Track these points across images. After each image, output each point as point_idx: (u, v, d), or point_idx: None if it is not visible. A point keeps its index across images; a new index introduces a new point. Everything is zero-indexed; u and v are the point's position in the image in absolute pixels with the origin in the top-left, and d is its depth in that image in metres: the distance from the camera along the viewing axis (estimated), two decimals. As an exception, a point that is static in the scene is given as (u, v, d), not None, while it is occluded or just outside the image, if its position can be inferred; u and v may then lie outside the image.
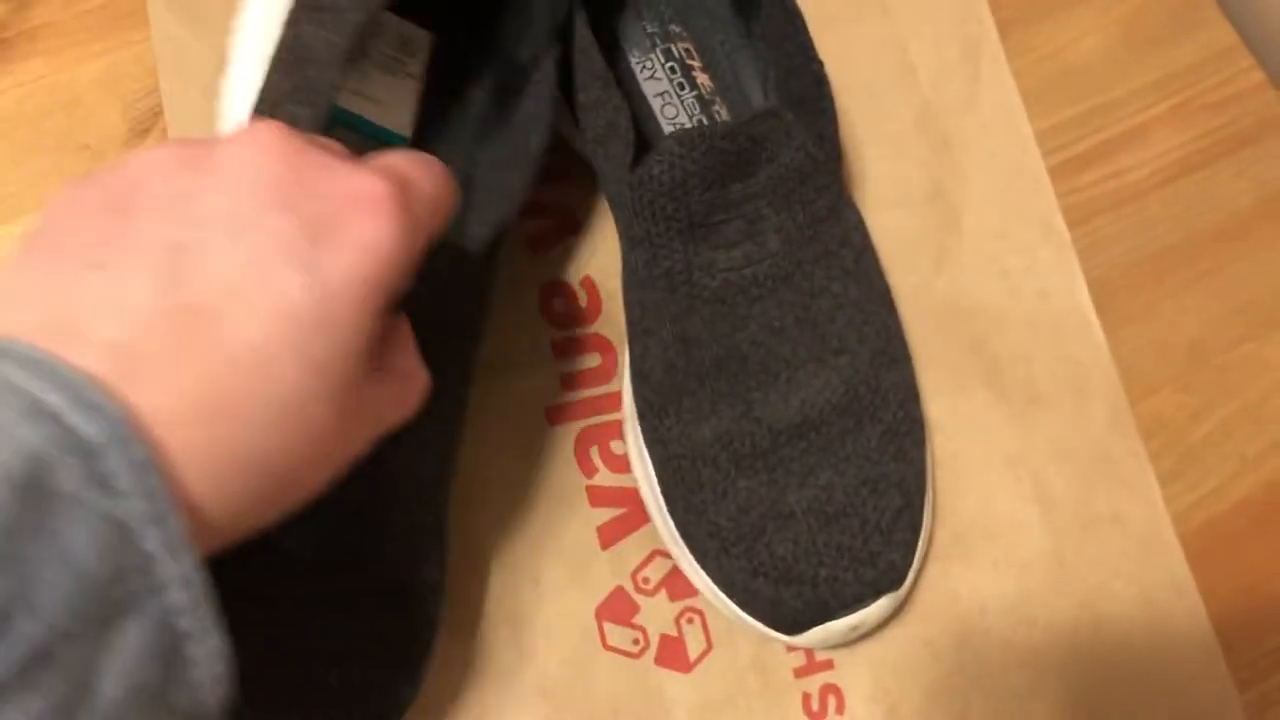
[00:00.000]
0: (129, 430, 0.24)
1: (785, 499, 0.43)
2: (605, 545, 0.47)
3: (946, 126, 0.53)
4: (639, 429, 0.45)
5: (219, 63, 0.47)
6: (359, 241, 0.29)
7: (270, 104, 0.39)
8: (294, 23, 0.40)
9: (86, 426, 0.24)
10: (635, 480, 0.46)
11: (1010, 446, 0.49)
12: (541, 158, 0.44)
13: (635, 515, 0.47)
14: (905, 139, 0.53)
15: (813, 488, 0.43)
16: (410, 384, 0.33)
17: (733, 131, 0.40)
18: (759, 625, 0.43)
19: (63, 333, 0.26)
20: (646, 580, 0.46)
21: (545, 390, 0.48)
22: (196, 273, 0.27)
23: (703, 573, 0.44)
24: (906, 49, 0.55)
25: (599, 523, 0.47)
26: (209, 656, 0.26)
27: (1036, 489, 0.48)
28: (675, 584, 0.46)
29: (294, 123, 0.34)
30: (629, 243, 0.44)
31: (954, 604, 0.47)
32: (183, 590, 0.25)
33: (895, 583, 0.43)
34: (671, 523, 0.44)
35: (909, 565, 0.44)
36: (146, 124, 0.51)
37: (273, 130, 0.30)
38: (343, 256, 0.29)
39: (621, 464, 0.47)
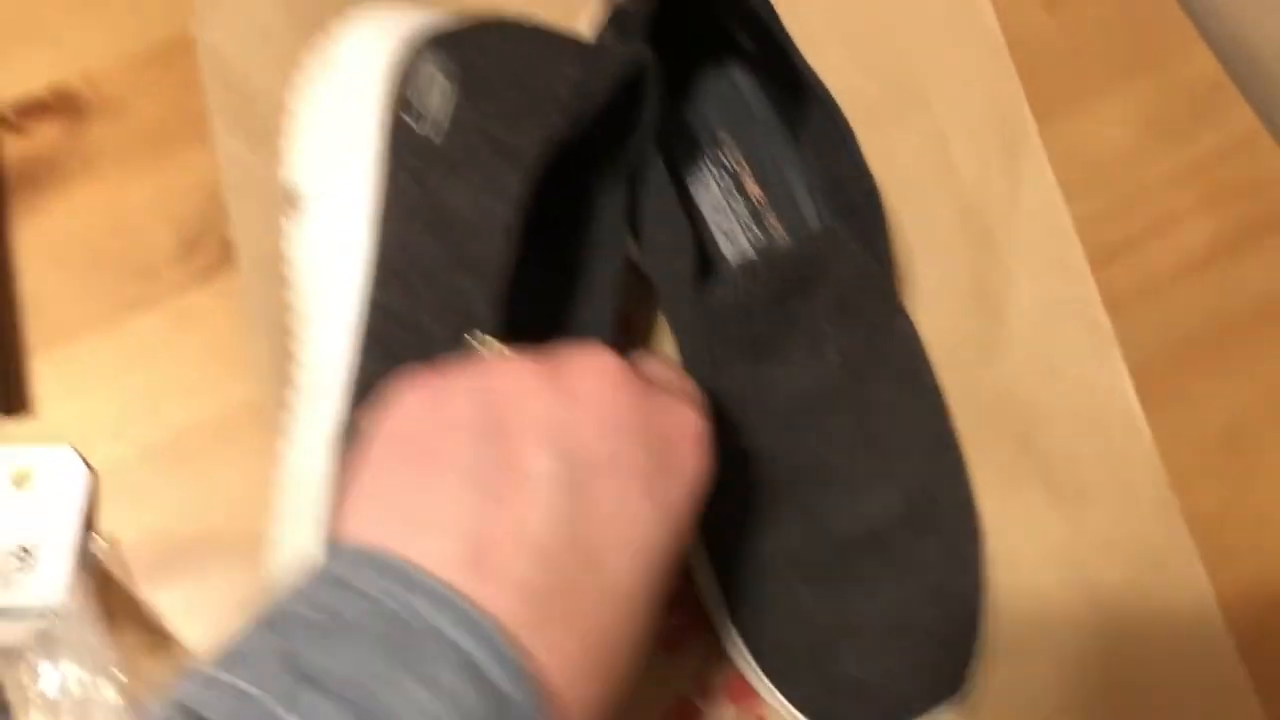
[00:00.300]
0: (546, 700, 0.25)
1: (851, 613, 0.43)
2: (668, 650, 0.47)
3: (989, 223, 0.54)
4: (703, 543, 0.46)
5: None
6: (689, 472, 0.31)
7: (422, 273, 0.39)
8: (417, 177, 0.40)
9: (514, 692, 0.25)
10: (699, 589, 0.47)
11: (1061, 543, 0.50)
12: (617, 285, 0.44)
13: (698, 624, 0.47)
14: (949, 237, 0.54)
15: (878, 601, 0.43)
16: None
17: (795, 255, 0.41)
18: None
19: (472, 565, 0.27)
20: (710, 686, 0.47)
21: None
22: (582, 511, 0.28)
23: (773, 689, 0.44)
24: (948, 147, 0.55)
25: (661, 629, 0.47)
26: None
27: (1085, 584, 0.49)
28: (739, 689, 0.46)
29: (459, 294, 0.37)
30: (692, 361, 0.45)
31: (1011, 701, 0.47)
32: None
33: (958, 690, 0.44)
34: (738, 638, 0.45)
35: (971, 672, 0.44)
36: (196, 244, 0.52)
37: (613, 361, 0.32)
38: (679, 487, 0.31)
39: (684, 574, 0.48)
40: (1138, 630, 0.49)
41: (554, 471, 0.29)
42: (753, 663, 0.45)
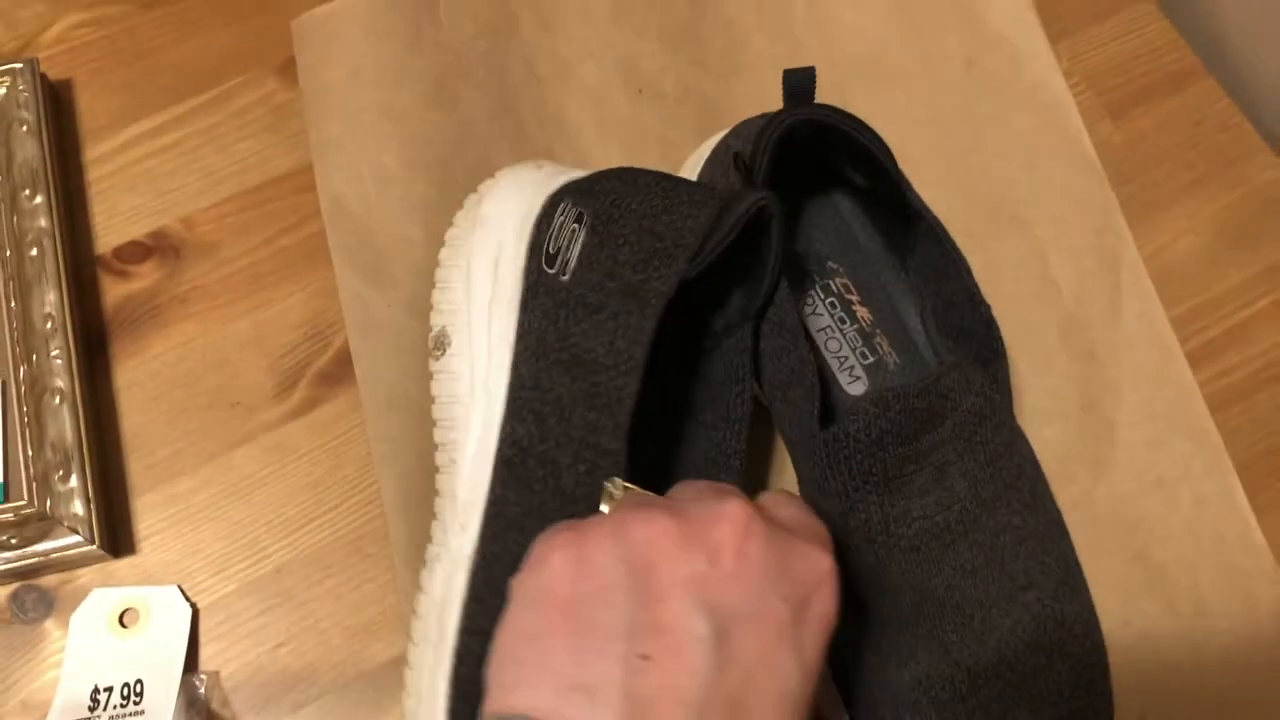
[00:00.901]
0: None
1: None
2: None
3: (1092, 338, 0.55)
4: (832, 678, 0.46)
5: (403, 319, 0.51)
6: (823, 617, 0.32)
7: (555, 407, 0.41)
8: (551, 317, 0.42)
9: None
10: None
11: (1183, 659, 0.50)
12: (745, 420, 0.45)
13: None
14: (1054, 352, 0.54)
15: None
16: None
17: (923, 389, 0.42)
18: None
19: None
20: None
21: None
22: (730, 667, 0.29)
23: None
24: (1047, 263, 0.56)
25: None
26: None
27: (1214, 702, 0.49)
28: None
29: (590, 429, 0.39)
30: (819, 493, 0.45)
31: None
32: None
33: None
34: None
35: None
36: (292, 380, 0.52)
37: (744, 511, 0.32)
38: (814, 634, 0.31)
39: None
40: None
41: (703, 631, 0.29)
42: None
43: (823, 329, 0.51)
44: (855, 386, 0.50)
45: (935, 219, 0.47)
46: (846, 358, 0.50)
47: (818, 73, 0.46)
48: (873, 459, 0.42)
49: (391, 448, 0.50)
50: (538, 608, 0.31)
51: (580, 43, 0.59)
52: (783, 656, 0.30)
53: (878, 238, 0.51)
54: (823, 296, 0.51)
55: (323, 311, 0.54)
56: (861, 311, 0.51)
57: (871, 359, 0.50)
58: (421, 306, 0.50)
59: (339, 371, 0.53)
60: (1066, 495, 0.51)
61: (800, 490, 0.47)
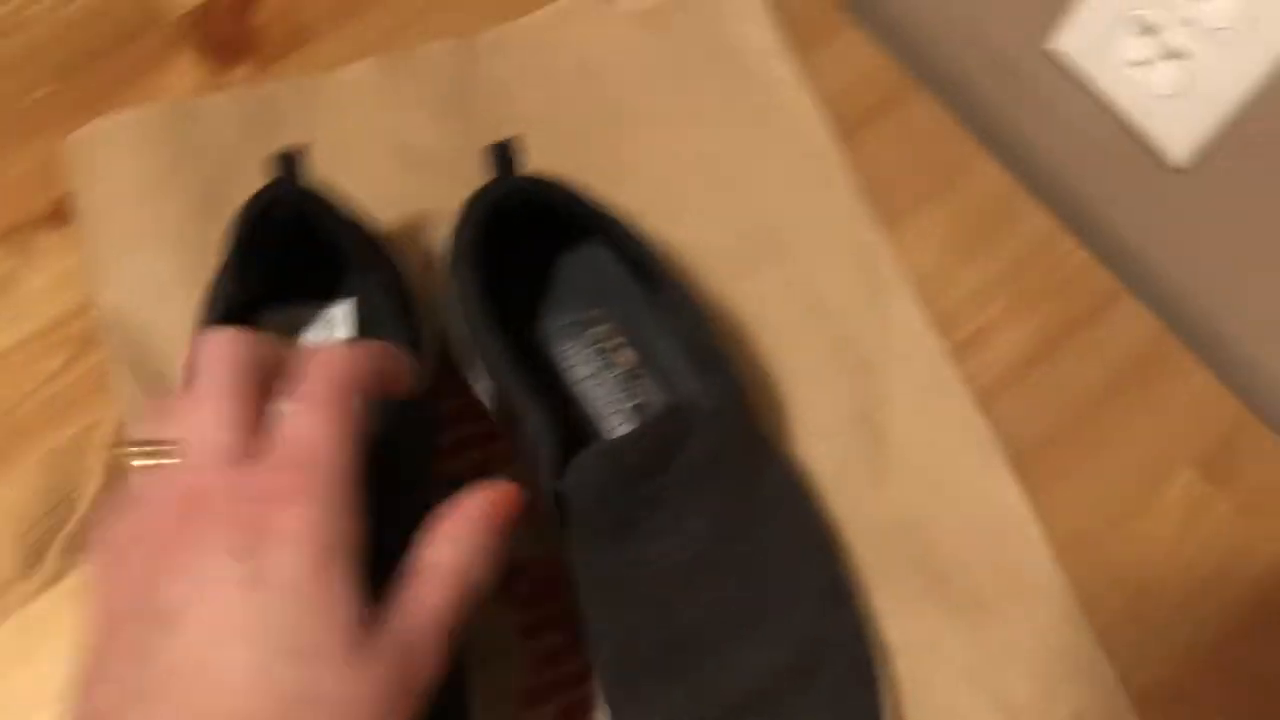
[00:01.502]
0: None
1: None
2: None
3: (863, 351, 0.56)
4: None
5: None
6: (283, 536, 0.31)
7: None
8: None
9: None
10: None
11: (967, 659, 0.50)
12: None
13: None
14: (826, 369, 0.56)
15: None
16: (480, 552, 0.37)
17: (638, 438, 0.43)
18: None
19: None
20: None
21: (519, 675, 0.49)
22: (171, 642, 0.30)
23: None
24: (815, 284, 0.57)
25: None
26: None
27: (997, 699, 0.49)
28: None
29: None
30: (565, 544, 0.46)
31: None
32: None
33: None
34: None
35: None
36: (40, 551, 0.51)
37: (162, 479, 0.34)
38: (278, 555, 0.31)
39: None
40: None
41: (141, 634, 0.31)
42: None
43: (585, 379, 0.52)
44: (622, 431, 0.51)
45: (654, 260, 0.48)
46: (611, 404, 0.51)
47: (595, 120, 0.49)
48: (599, 509, 0.43)
49: None
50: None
51: (348, 132, 0.61)
52: (228, 599, 0.30)
53: (634, 283, 0.52)
54: (585, 346, 0.52)
55: (64, 478, 0.53)
56: (624, 356, 0.52)
57: (636, 401, 0.51)
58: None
59: (86, 538, 0.52)
60: (845, 508, 0.52)
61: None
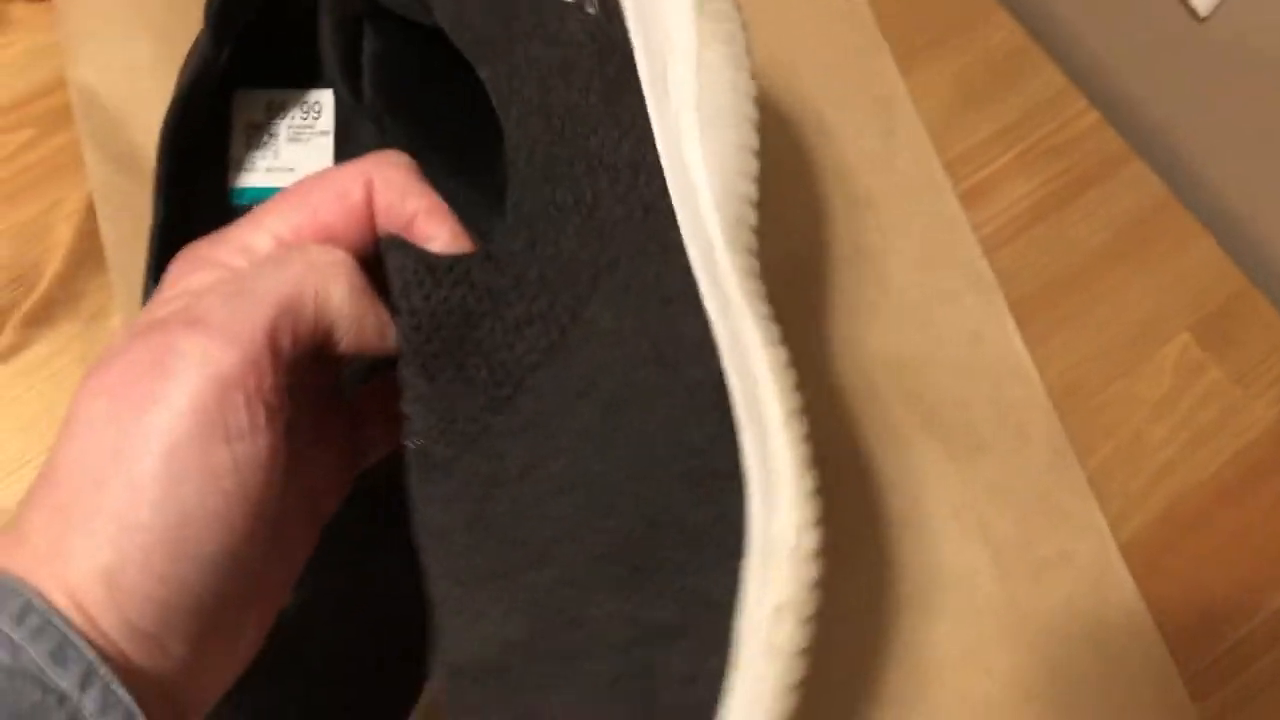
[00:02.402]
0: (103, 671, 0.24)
1: None
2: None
3: (866, 184, 0.54)
4: None
5: None
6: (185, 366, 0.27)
7: None
8: None
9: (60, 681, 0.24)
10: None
11: (955, 495, 0.49)
12: None
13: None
14: (827, 201, 0.54)
15: None
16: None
17: None
18: None
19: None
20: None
21: None
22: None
23: None
24: (820, 113, 0.55)
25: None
26: None
27: (984, 535, 0.49)
28: None
29: None
30: None
31: (913, 658, 0.46)
32: None
33: None
34: None
35: None
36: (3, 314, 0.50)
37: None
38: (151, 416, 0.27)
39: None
40: (1034, 577, 0.48)
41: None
42: None
43: None
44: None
45: None
46: None
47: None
48: None
49: None
50: None
51: None
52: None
53: None
54: None
55: (25, 254, 0.51)
56: None
57: None
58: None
59: (46, 314, 0.50)
60: (836, 341, 0.51)
61: None
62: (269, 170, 0.48)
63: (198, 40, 0.46)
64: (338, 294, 0.29)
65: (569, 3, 0.35)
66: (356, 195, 0.31)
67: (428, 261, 0.30)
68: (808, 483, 0.28)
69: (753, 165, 0.34)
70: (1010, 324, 0.52)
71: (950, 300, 0.52)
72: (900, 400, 0.50)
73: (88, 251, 0.51)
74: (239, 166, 0.48)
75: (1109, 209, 0.56)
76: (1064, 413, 0.51)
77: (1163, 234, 0.55)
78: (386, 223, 0.31)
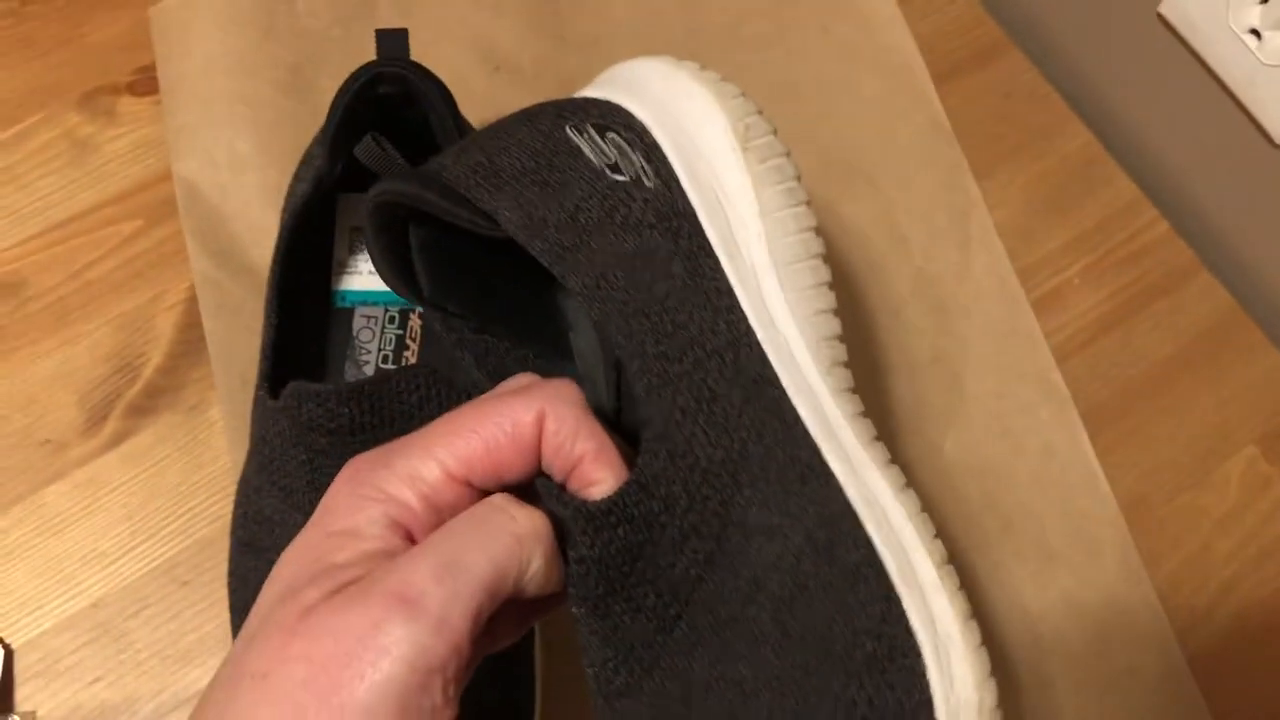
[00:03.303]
0: None
1: None
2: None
3: (942, 292, 0.56)
4: None
5: (255, 301, 0.51)
6: (368, 678, 0.27)
7: None
8: None
9: None
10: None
11: (1028, 604, 0.50)
12: None
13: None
14: (903, 307, 0.55)
15: None
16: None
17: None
18: None
19: None
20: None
21: None
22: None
23: None
24: (897, 222, 0.57)
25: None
26: None
27: (1056, 645, 0.49)
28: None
29: None
30: None
31: None
32: None
33: None
34: None
35: None
36: (102, 413, 0.51)
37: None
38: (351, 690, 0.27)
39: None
40: (1103, 688, 0.49)
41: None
42: None
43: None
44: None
45: None
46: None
47: (679, 38, 0.46)
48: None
49: (244, 424, 0.49)
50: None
51: (437, 24, 0.60)
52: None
53: None
54: None
55: (130, 343, 0.53)
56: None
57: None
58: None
59: (149, 403, 0.52)
60: (915, 446, 0.52)
61: None
62: (371, 273, 0.50)
63: (310, 153, 0.47)
64: (536, 564, 0.30)
65: (625, 180, 0.36)
66: (528, 431, 0.31)
67: (588, 511, 0.30)
68: (975, 635, 0.29)
69: (830, 300, 0.36)
70: (1082, 435, 0.53)
71: (1023, 412, 0.53)
72: (975, 507, 0.51)
73: (189, 343, 0.52)
74: (342, 269, 0.50)
75: (1176, 320, 0.57)
76: (1130, 525, 0.52)
77: (1230, 346, 0.56)
78: (553, 461, 0.31)
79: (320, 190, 0.46)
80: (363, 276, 0.50)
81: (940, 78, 0.61)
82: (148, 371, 0.52)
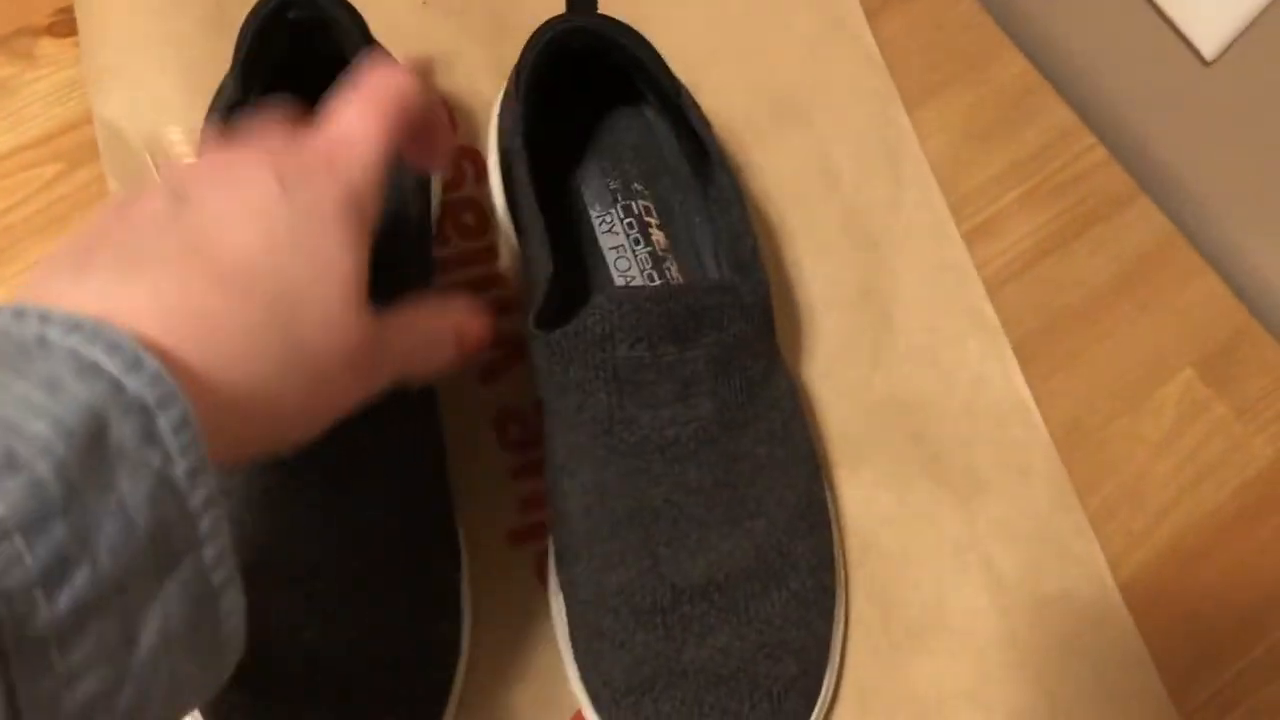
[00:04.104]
0: (175, 389, 0.25)
1: (680, 657, 0.43)
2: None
3: (873, 227, 0.55)
4: (554, 570, 0.46)
5: None
6: (323, 181, 0.32)
7: None
8: None
9: (140, 388, 0.24)
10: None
11: (958, 534, 0.50)
12: None
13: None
14: (835, 242, 0.55)
15: (709, 648, 0.43)
16: (436, 347, 0.37)
17: (661, 296, 0.41)
18: None
19: (85, 257, 0.29)
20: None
21: (506, 515, 0.49)
22: (188, 210, 0.30)
23: (595, 717, 0.44)
24: (830, 156, 0.57)
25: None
26: (235, 610, 0.27)
27: (987, 574, 0.49)
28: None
29: None
30: (557, 388, 0.44)
31: (913, 696, 0.47)
32: (215, 544, 0.26)
33: None
34: (573, 666, 0.45)
35: None
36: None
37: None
38: (309, 191, 0.32)
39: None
40: (1035, 615, 0.49)
41: (161, 202, 0.31)
42: (581, 690, 0.45)
43: (615, 247, 0.51)
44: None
45: (715, 144, 0.47)
46: (634, 279, 0.50)
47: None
48: (600, 355, 0.42)
49: None
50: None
51: None
52: (255, 200, 0.31)
53: (684, 162, 0.51)
54: (621, 216, 0.51)
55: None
56: (658, 235, 0.51)
57: (657, 283, 0.50)
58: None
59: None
60: (845, 379, 0.52)
61: (540, 387, 0.45)
62: None
63: (224, 84, 0.47)
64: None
65: None
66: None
67: None
68: None
69: None
70: (1013, 366, 0.53)
71: (953, 344, 0.53)
72: (904, 440, 0.51)
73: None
74: None
75: (1114, 246, 0.57)
76: (1066, 451, 0.52)
77: (1168, 270, 0.56)
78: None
79: (235, 121, 0.45)
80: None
81: (873, 10, 0.60)
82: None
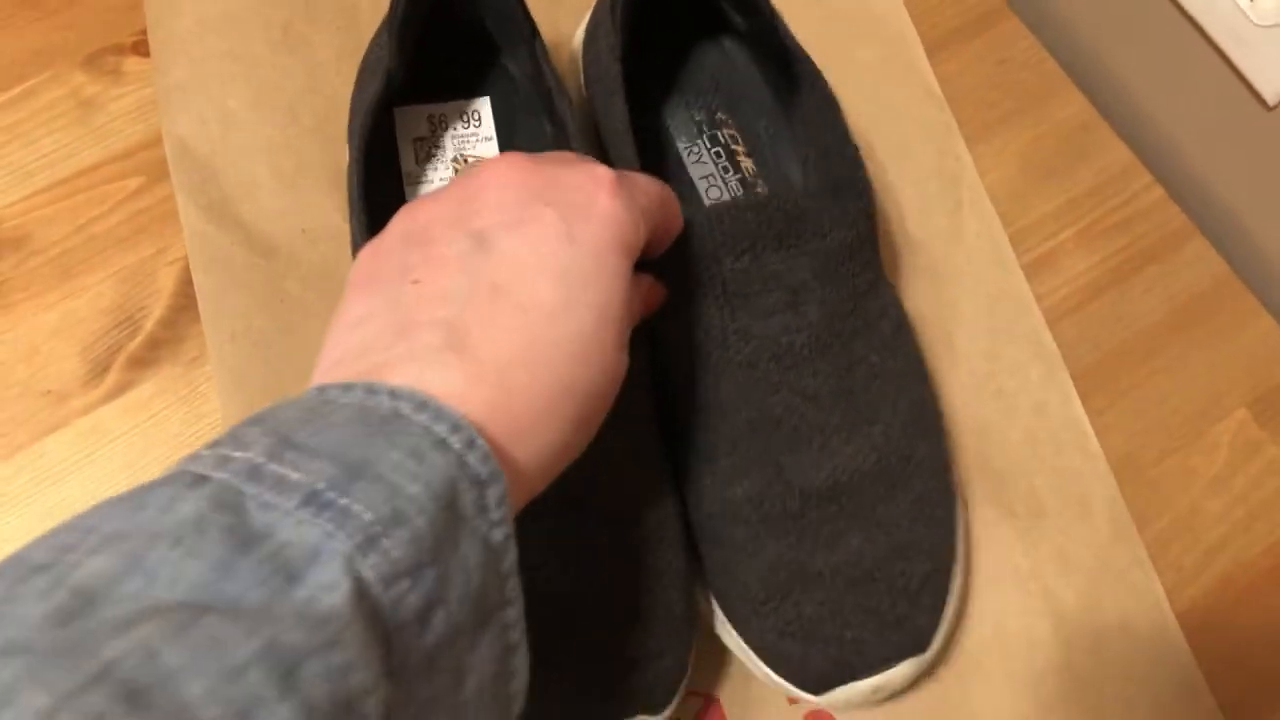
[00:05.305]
0: (498, 467, 0.29)
1: (814, 561, 0.44)
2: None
3: (933, 256, 0.56)
4: (673, 485, 0.47)
5: (245, 255, 0.53)
6: (602, 212, 0.35)
7: None
8: None
9: (476, 464, 0.28)
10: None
11: (1019, 562, 0.50)
12: None
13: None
14: (892, 271, 0.56)
15: (842, 551, 0.44)
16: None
17: (759, 204, 0.43)
18: (787, 684, 0.44)
19: (401, 331, 0.32)
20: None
21: None
22: (493, 264, 0.33)
23: (734, 632, 0.45)
24: (889, 186, 0.58)
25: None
26: (523, 668, 0.30)
27: (1047, 602, 0.50)
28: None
29: None
30: (668, 310, 0.45)
31: (966, 717, 0.47)
32: (517, 606, 0.29)
33: (920, 647, 0.44)
34: (708, 582, 0.46)
35: (935, 630, 0.45)
36: (104, 364, 0.52)
37: (507, 154, 0.37)
38: (595, 225, 0.34)
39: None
40: (1094, 644, 0.49)
41: (462, 246, 0.33)
42: (716, 605, 0.46)
43: (705, 176, 0.52)
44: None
45: (811, 61, 0.48)
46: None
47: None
48: (710, 270, 0.43)
49: (234, 378, 0.51)
50: (343, 300, 0.35)
51: None
52: (556, 245, 0.33)
53: (767, 89, 0.52)
54: (709, 145, 0.52)
55: (132, 296, 0.53)
56: (745, 162, 0.52)
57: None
58: (264, 245, 0.52)
59: (149, 355, 0.52)
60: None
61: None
62: (442, 181, 0.51)
63: (371, 55, 0.48)
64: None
65: None
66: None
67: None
68: None
69: None
70: (1073, 395, 0.53)
71: (1014, 372, 0.54)
72: (965, 466, 0.52)
73: (189, 297, 0.53)
74: (413, 181, 0.51)
75: (1169, 284, 0.57)
76: (1119, 486, 0.52)
77: (1222, 311, 0.57)
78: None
79: (391, 88, 0.47)
80: (433, 186, 0.51)
81: (935, 45, 0.61)
82: (149, 324, 0.53)
